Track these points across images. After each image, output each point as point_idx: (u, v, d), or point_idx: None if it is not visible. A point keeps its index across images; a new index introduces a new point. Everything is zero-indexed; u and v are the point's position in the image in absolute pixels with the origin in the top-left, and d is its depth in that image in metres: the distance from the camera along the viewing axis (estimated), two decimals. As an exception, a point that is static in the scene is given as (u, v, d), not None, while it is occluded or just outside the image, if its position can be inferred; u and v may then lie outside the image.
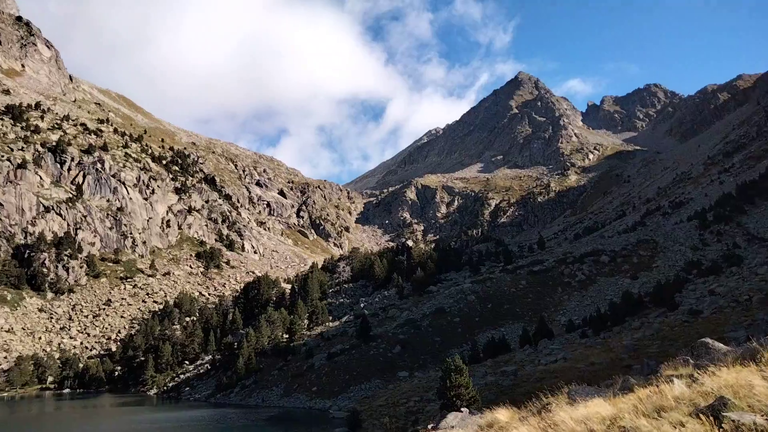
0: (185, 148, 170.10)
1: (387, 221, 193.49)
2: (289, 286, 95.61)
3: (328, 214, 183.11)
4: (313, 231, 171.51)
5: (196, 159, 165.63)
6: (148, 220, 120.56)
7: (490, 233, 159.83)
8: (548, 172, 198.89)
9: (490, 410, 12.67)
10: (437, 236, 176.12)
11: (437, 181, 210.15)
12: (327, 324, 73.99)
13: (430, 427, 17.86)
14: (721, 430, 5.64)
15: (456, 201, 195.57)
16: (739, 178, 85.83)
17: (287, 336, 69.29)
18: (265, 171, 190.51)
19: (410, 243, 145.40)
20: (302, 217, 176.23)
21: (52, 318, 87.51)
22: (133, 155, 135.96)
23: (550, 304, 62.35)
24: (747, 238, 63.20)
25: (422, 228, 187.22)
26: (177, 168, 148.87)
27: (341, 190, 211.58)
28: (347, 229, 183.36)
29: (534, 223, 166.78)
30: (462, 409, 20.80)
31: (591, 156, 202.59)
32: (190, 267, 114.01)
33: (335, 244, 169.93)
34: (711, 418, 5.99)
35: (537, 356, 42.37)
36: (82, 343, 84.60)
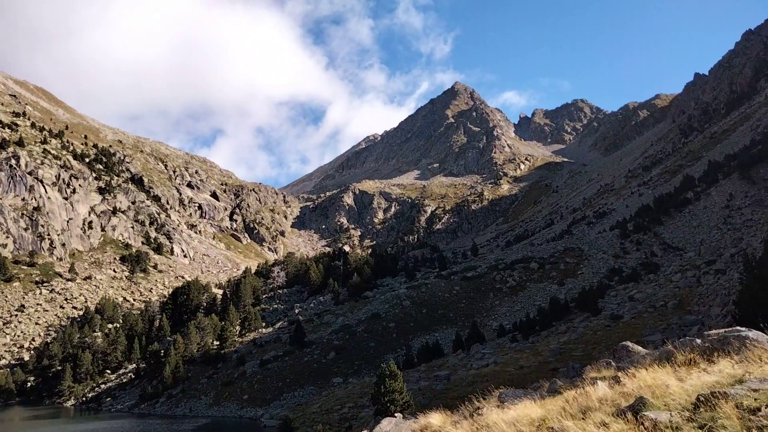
0: (111, 146, 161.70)
1: (324, 226, 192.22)
2: (220, 292, 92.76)
3: (262, 218, 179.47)
4: (246, 235, 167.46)
5: (122, 158, 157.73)
6: (68, 221, 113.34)
7: (426, 239, 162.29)
8: (482, 180, 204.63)
9: (423, 414, 12.75)
10: (374, 242, 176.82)
11: (375, 187, 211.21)
12: (260, 330, 72.33)
13: (363, 433, 17.74)
14: (640, 428, 5.89)
15: (393, 207, 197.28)
16: (657, 190, 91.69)
17: (218, 343, 67.11)
18: (197, 172, 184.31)
19: (347, 248, 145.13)
20: (236, 221, 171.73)
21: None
22: (53, 152, 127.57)
23: (483, 309, 63.96)
24: (663, 247, 67.51)
25: (359, 233, 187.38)
26: (101, 167, 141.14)
27: (277, 194, 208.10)
28: (282, 233, 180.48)
29: (468, 230, 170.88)
30: (396, 414, 20.83)
31: (522, 166, 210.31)
32: (114, 271, 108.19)
33: (270, 249, 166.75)
34: (632, 417, 6.25)
35: (469, 360, 43.24)
36: (-11, 352, 78.11)
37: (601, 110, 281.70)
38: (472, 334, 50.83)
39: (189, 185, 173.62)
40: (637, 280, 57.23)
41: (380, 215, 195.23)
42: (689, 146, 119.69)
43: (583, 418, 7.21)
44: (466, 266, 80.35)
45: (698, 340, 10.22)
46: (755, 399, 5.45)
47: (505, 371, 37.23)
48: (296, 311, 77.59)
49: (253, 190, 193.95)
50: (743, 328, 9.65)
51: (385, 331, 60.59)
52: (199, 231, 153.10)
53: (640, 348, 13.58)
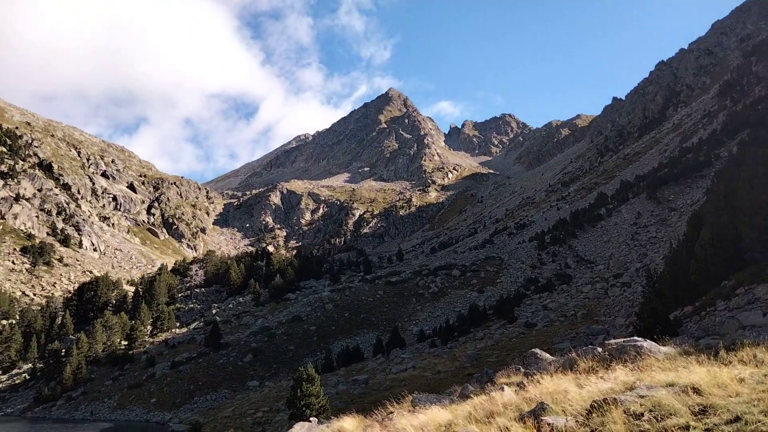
0: (17, 128, 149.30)
1: (248, 225, 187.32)
2: (132, 289, 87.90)
3: (183, 213, 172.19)
4: (164, 230, 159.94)
5: (29, 141, 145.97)
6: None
7: (353, 243, 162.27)
8: (411, 186, 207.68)
9: (337, 419, 12.60)
10: (300, 243, 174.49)
11: (303, 188, 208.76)
12: (174, 331, 69.18)
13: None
14: (539, 433, 6.02)
15: (321, 209, 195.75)
16: (573, 205, 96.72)
17: (126, 343, 63.46)
18: (113, 161, 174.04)
19: (271, 248, 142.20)
20: (153, 215, 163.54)
21: None
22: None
23: (405, 314, 64.61)
24: (576, 259, 71.21)
25: (285, 234, 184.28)
26: (4, 149, 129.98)
27: (200, 189, 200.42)
28: (203, 230, 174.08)
29: (395, 235, 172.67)
30: (311, 418, 20.46)
31: (450, 175, 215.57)
32: (13, 263, 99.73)
33: (189, 246, 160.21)
34: (532, 422, 6.42)
35: (388, 365, 43.50)
36: None
37: (527, 126, 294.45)
38: (392, 339, 51.19)
39: (104, 175, 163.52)
40: (552, 290, 59.99)
41: (308, 216, 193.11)
42: (604, 165, 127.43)
43: (488, 423, 7.34)
44: (391, 271, 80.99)
45: (599, 349, 10.68)
46: (641, 405, 5.72)
47: (422, 376, 37.73)
48: (213, 311, 74.96)
49: (175, 183, 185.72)
50: (640, 338, 10.18)
51: (305, 334, 59.77)
52: (113, 224, 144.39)
53: (547, 355, 14.08)
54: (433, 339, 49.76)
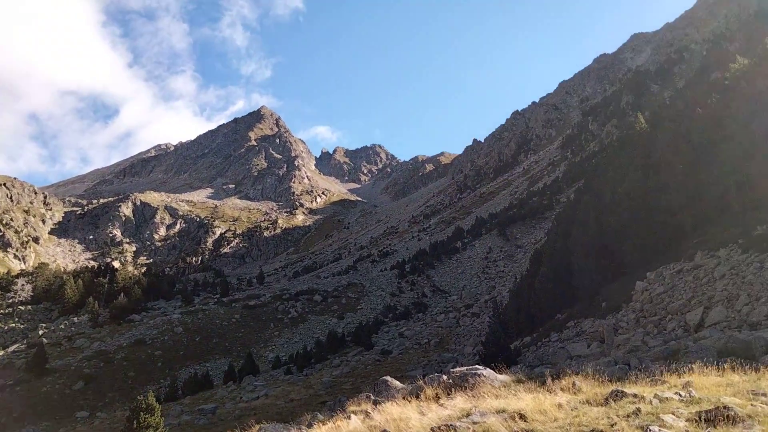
0: None
1: (92, 237, 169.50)
2: (-63, 304, 74.54)
3: (12, 219, 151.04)
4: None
5: None
6: None
7: (211, 263, 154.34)
8: (278, 208, 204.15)
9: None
10: (151, 260, 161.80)
11: (160, 200, 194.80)
12: (-14, 354, 59.62)
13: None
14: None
15: (178, 224, 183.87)
16: (433, 237, 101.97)
17: None
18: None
19: (117, 264, 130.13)
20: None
21: None
22: None
23: (261, 340, 62.47)
24: (432, 289, 74.74)
25: (134, 249, 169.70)
26: None
27: (36, 193, 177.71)
28: (36, 239, 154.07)
29: (257, 257, 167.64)
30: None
31: (319, 199, 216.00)
32: None
33: (17, 257, 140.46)
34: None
35: (240, 393, 41.55)
36: None
37: (395, 158, 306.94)
38: (246, 365, 49.10)
39: None
40: (409, 318, 62.10)
41: (162, 231, 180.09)
42: (463, 202, 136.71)
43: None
44: (250, 294, 78.20)
45: (445, 377, 11.11)
46: (473, 431, 5.99)
47: (275, 404, 36.52)
48: (41, 332, 66.05)
49: (5, 185, 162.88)
50: (480, 367, 10.78)
51: (149, 360, 55.00)
52: None
53: (397, 383, 14.37)
54: (289, 366, 48.63)
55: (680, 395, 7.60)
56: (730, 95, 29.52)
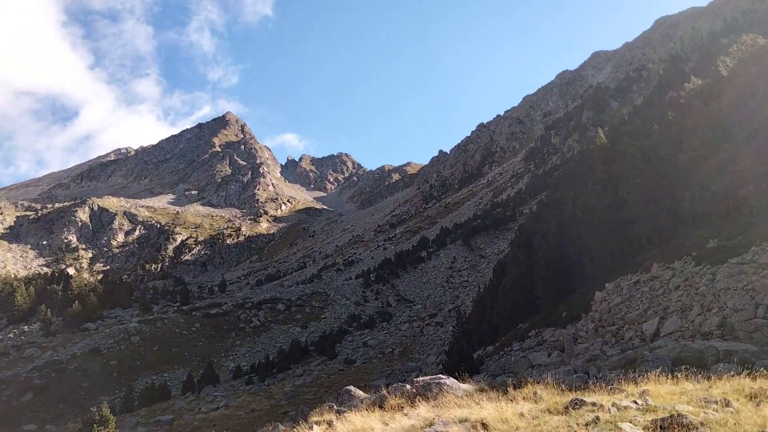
0: None
1: (45, 242, 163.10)
2: None
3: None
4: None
5: None
6: None
7: (172, 270, 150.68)
8: (241, 215, 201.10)
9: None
10: (108, 267, 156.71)
11: (119, 206, 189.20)
12: (-73, 365, 56.42)
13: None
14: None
15: (138, 230, 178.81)
16: (399, 246, 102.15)
17: None
18: None
19: (71, 271, 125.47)
20: None
21: None
22: None
23: (222, 349, 61.18)
24: (397, 298, 74.75)
25: (91, 255, 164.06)
26: None
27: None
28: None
29: (219, 265, 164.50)
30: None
31: (284, 207, 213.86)
32: None
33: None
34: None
35: (198, 404, 40.54)
36: None
37: (362, 167, 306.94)
38: (205, 375, 47.98)
39: None
40: (373, 327, 61.90)
41: (120, 237, 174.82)
42: (428, 212, 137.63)
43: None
44: (212, 302, 76.61)
45: (408, 386, 11.08)
46: (437, 442, 5.98)
47: (235, 415, 35.79)
48: (-13, 342, 62.99)
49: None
50: (444, 376, 10.80)
51: (104, 370, 53.09)
52: None
53: (361, 392, 14.26)
54: (251, 376, 47.75)
55: (637, 403, 7.79)
56: (685, 113, 30.78)
